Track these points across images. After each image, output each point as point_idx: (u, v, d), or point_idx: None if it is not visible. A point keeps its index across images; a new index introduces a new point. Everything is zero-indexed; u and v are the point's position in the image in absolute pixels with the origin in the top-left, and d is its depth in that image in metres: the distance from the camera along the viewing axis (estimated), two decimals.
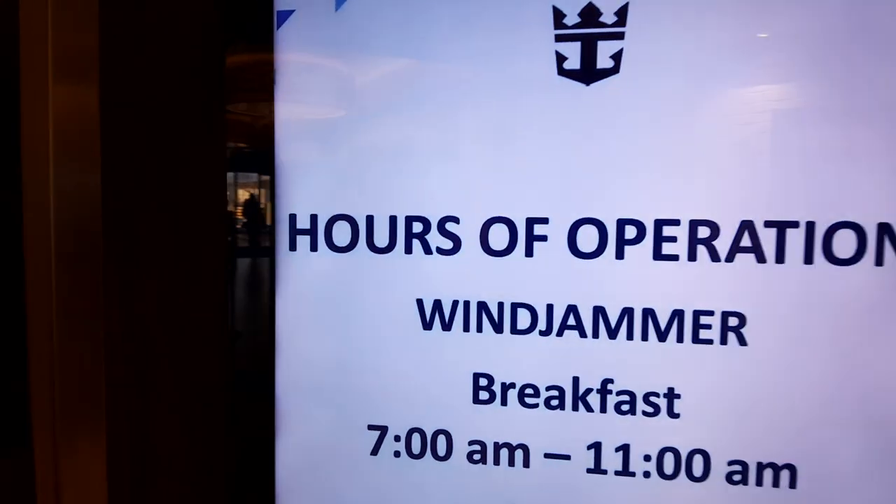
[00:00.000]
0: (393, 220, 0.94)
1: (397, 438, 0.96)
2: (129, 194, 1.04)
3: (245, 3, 0.97)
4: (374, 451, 0.97)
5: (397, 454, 0.96)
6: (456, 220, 0.92)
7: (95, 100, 1.02)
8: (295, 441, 0.99)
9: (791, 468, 0.87)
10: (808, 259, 0.85)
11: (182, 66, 1.04)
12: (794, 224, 0.85)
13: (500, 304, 0.92)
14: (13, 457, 1.12)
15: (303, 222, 0.96)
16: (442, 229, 0.92)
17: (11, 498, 1.12)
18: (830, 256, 0.84)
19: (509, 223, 0.91)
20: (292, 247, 0.97)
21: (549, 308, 0.91)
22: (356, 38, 0.94)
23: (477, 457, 0.94)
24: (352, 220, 0.95)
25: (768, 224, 0.85)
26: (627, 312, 0.89)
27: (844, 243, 0.84)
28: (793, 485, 0.87)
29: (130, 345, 1.05)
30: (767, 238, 0.85)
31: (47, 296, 1.02)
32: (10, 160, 1.07)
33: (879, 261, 0.83)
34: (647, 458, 0.90)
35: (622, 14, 0.87)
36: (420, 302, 0.94)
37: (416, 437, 0.95)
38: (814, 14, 0.83)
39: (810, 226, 0.84)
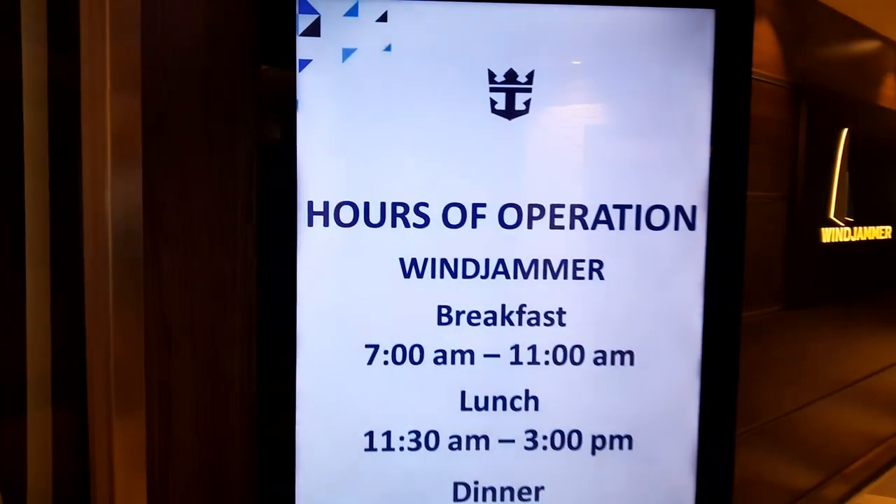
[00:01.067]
0: (383, 205, 1.39)
1: (386, 352, 1.42)
2: (165, 197, 1.39)
3: (277, 54, 1.37)
4: (370, 362, 1.42)
5: (385, 363, 1.42)
6: (426, 204, 1.40)
7: (139, 108, 1.36)
8: (310, 358, 1.41)
9: (630, 353, 1.45)
10: (638, 226, 1.42)
11: (222, 92, 1.42)
12: (630, 206, 1.42)
13: (455, 260, 1.41)
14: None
15: (318, 207, 1.39)
16: (417, 211, 1.40)
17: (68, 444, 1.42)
18: (650, 225, 1.43)
19: (461, 206, 1.40)
20: (310, 223, 1.39)
21: (487, 261, 1.42)
22: (355, 82, 1.38)
23: (440, 361, 1.43)
24: (353, 205, 1.39)
25: (615, 206, 1.42)
26: (534, 262, 1.42)
27: (657, 217, 1.43)
28: (632, 363, 1.45)
29: (163, 327, 1.40)
30: (615, 215, 1.42)
31: (104, 286, 1.35)
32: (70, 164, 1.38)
33: (676, 227, 1.43)
34: (547, 352, 1.44)
35: (531, 77, 1.39)
36: (402, 259, 1.40)
37: (398, 350, 1.42)
38: (633, 79, 1.41)
39: (639, 207, 1.42)
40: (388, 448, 1.42)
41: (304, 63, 1.37)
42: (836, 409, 3.57)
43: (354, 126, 1.39)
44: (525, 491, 1.44)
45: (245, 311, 1.46)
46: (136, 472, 1.37)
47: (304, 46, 1.37)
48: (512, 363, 1.43)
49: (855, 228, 3.60)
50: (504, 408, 1.44)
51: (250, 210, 1.45)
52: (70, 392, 1.41)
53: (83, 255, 1.37)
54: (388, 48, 1.38)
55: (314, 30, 1.37)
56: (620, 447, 1.46)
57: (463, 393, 1.44)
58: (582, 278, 1.43)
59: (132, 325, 1.37)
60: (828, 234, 3.39)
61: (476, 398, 1.44)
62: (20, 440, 1.38)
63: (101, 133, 1.34)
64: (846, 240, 3.53)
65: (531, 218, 1.41)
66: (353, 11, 1.37)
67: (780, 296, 3.10)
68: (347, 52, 1.37)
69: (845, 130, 3.40)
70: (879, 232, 3.85)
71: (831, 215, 3.41)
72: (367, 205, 1.39)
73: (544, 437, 1.44)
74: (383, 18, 1.37)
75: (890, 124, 3.91)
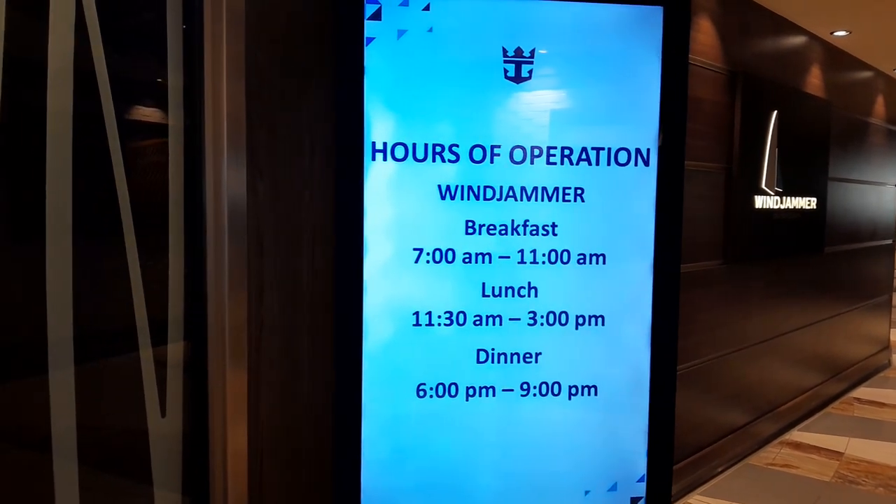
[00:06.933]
0: (426, 145, 1.90)
1: (428, 254, 1.92)
2: (259, 141, 1.86)
3: (350, 34, 1.86)
4: (416, 261, 1.92)
5: (428, 262, 1.92)
6: (457, 145, 1.91)
7: (243, 91, 1.79)
8: (373, 259, 1.90)
9: (603, 255, 1.98)
10: (609, 163, 1.96)
11: (306, 64, 1.90)
12: (603, 148, 1.96)
13: (479, 187, 1.93)
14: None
15: (379, 146, 1.89)
16: (450, 150, 1.91)
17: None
18: (618, 162, 1.97)
19: (483, 147, 1.92)
20: (373, 158, 1.89)
21: (501, 188, 1.94)
22: (406, 55, 1.88)
23: (467, 260, 1.93)
24: (405, 145, 1.90)
25: (593, 148, 1.96)
26: (535, 189, 1.95)
27: (623, 157, 1.97)
28: (605, 262, 1.99)
29: (257, 237, 1.88)
30: (593, 155, 1.96)
31: (219, 260, 1.79)
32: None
33: (636, 164, 1.97)
34: (544, 255, 1.96)
35: (532, 53, 1.92)
36: (439, 186, 1.92)
37: (437, 252, 1.92)
38: (606, 56, 1.95)
39: (610, 149, 1.96)
40: (430, 324, 1.94)
41: (370, 40, 1.87)
42: (767, 356, 4.18)
43: (406, 87, 1.89)
44: (528, 355, 1.97)
45: (311, 226, 1.96)
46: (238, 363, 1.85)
47: (370, 28, 1.87)
48: (519, 262, 1.96)
49: (784, 198, 4.20)
50: (513, 295, 1.97)
51: (314, 150, 1.94)
52: (195, 331, 1.81)
53: (205, 227, 1.79)
54: (431, 30, 1.88)
55: (377, 15, 1.87)
56: (596, 324, 2.00)
57: (483, 284, 1.96)
58: (569, 201, 1.96)
59: (239, 282, 1.81)
60: (760, 201, 3.99)
61: (493, 288, 1.96)
62: (163, 364, 1.78)
63: (220, 121, 1.75)
64: (776, 207, 4.13)
65: (533, 156, 1.94)
66: (405, 2, 1.87)
67: (721, 252, 3.69)
68: (401, 33, 1.88)
69: (775, 113, 4.01)
70: (806, 202, 4.47)
71: (763, 185, 4.02)
72: (414, 145, 1.90)
73: (541, 317, 1.98)
74: (427, 8, 1.88)
75: (815, 109, 4.52)
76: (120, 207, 1.62)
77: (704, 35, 3.43)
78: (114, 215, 1.60)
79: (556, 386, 1.98)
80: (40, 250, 1.46)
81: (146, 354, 1.67)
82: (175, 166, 1.74)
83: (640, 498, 2.02)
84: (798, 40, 4.39)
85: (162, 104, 1.73)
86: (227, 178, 1.77)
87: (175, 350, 1.76)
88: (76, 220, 1.51)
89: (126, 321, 1.62)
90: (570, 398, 1.99)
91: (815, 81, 4.59)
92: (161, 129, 1.74)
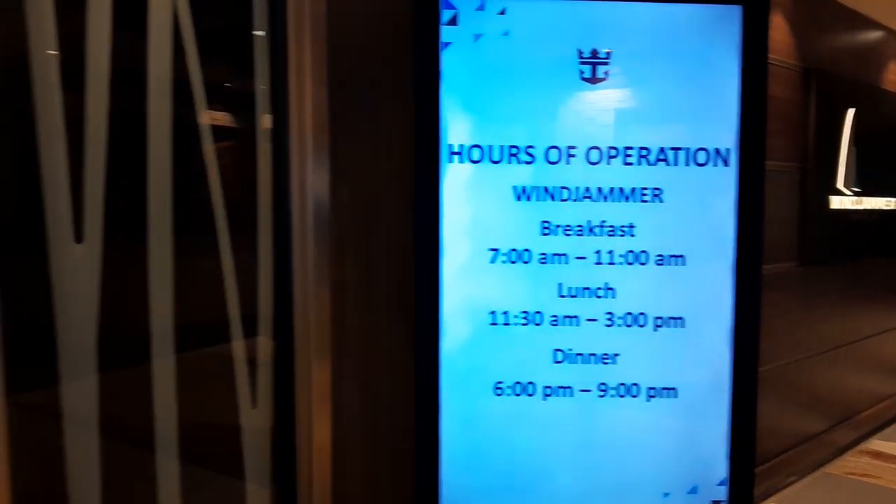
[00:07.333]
0: (502, 147, 1.92)
1: (504, 254, 1.94)
2: (342, 146, 1.92)
3: (426, 39, 1.91)
4: (492, 261, 1.94)
5: (504, 262, 1.94)
6: (533, 147, 1.93)
7: (326, 97, 1.86)
8: (450, 259, 1.93)
9: (682, 256, 1.96)
10: (688, 164, 1.94)
11: (384, 69, 1.96)
12: (681, 148, 1.94)
13: (554, 188, 1.94)
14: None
15: (456, 148, 1.92)
16: (526, 151, 1.93)
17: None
18: (696, 162, 1.95)
19: (558, 148, 1.93)
20: (450, 161, 1.92)
21: (577, 188, 1.94)
22: (482, 58, 1.91)
23: (543, 261, 1.95)
24: (481, 147, 1.92)
25: (671, 148, 1.94)
26: (611, 189, 1.94)
27: (702, 157, 1.95)
28: (684, 263, 1.97)
29: (340, 239, 1.94)
30: (671, 155, 1.94)
31: (304, 259, 1.86)
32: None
33: (715, 164, 1.95)
34: (621, 255, 1.95)
35: (608, 55, 1.92)
36: (515, 187, 1.93)
37: (513, 253, 1.94)
38: (683, 56, 1.93)
39: (688, 149, 1.94)
40: (506, 324, 1.95)
41: (445, 45, 1.91)
42: (844, 361, 4.03)
43: (481, 90, 1.92)
44: (605, 356, 1.97)
45: (390, 226, 2.01)
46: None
47: (446, 33, 1.90)
48: (596, 263, 1.96)
49: (861, 198, 4.05)
50: (590, 296, 1.96)
51: (392, 153, 1.99)
52: (283, 327, 1.89)
53: (292, 228, 1.87)
54: (506, 33, 1.91)
55: (453, 21, 1.90)
56: (675, 325, 1.97)
57: (560, 284, 1.96)
58: (647, 201, 1.95)
59: (323, 281, 1.89)
60: (836, 202, 3.86)
61: (569, 289, 1.96)
62: (253, 359, 1.88)
63: (304, 124, 1.83)
64: (853, 208, 3.99)
65: (609, 157, 1.94)
66: (481, 7, 1.90)
67: (796, 254, 3.59)
68: (477, 37, 1.91)
69: (851, 110, 3.87)
70: (884, 203, 4.29)
71: (839, 185, 3.88)
72: (490, 147, 1.92)
73: (619, 318, 1.97)
74: (503, 12, 1.91)
75: (893, 106, 4.35)
76: (214, 209, 1.70)
77: (777, 32, 3.35)
78: (209, 216, 1.68)
79: (634, 387, 1.97)
80: (144, 249, 1.55)
81: (238, 348, 1.75)
82: (263, 169, 1.82)
83: (721, 501, 1.98)
84: (874, 35, 4.23)
85: (250, 109, 1.82)
86: (312, 181, 1.84)
87: (264, 344, 1.83)
88: (175, 220, 1.60)
89: (220, 316, 1.71)
90: (648, 400, 1.97)
91: (892, 78, 4.41)
92: (250, 134, 1.82)
